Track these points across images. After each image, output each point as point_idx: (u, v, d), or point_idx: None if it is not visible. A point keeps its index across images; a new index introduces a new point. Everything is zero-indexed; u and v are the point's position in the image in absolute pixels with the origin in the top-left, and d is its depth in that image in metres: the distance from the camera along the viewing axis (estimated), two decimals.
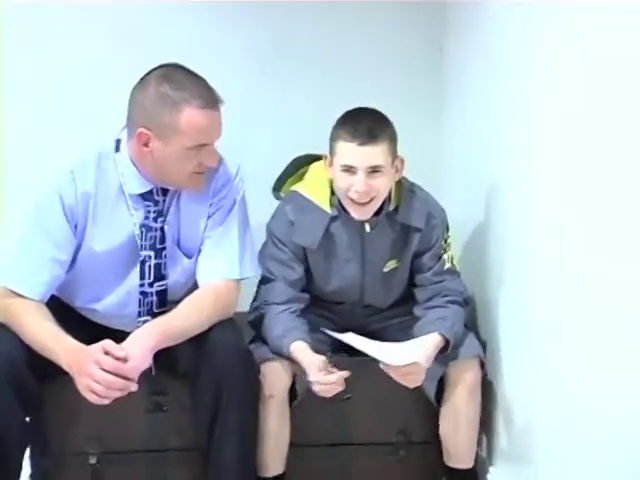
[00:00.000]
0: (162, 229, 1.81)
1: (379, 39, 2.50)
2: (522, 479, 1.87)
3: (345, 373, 1.74)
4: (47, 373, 1.69)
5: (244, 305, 1.96)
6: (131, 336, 1.66)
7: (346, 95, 2.17)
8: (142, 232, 1.79)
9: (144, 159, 1.74)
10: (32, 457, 1.88)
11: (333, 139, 1.86)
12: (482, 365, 1.92)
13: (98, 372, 1.56)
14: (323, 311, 2.02)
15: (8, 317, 1.70)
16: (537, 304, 1.74)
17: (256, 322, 1.92)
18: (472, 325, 2.13)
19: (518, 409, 1.88)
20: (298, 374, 1.84)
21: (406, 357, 1.76)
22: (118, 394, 1.59)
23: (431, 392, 1.90)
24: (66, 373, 1.63)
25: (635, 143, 1.27)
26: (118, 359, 1.58)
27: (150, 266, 1.81)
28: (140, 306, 1.82)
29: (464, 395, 1.90)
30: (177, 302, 1.80)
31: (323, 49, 2.48)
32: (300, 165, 2.04)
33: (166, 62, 1.74)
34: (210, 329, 1.76)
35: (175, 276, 1.84)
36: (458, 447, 1.95)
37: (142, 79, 1.72)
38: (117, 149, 1.80)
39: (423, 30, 2.51)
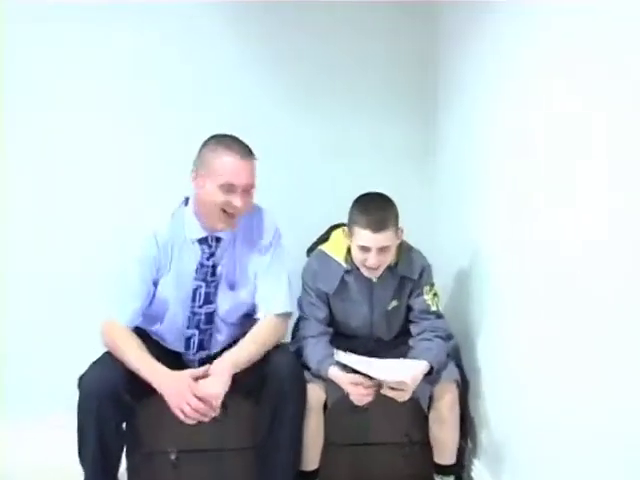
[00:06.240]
0: (213, 267, 2.07)
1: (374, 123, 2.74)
2: (498, 470, 2.05)
3: (374, 384, 1.98)
4: (141, 392, 1.93)
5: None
6: (211, 370, 1.92)
7: (349, 176, 2.58)
8: (197, 268, 2.07)
9: (196, 201, 2.00)
10: (127, 455, 2.09)
11: (351, 222, 2.11)
12: (459, 386, 2.15)
13: (192, 398, 1.83)
14: (344, 343, 2.26)
15: (114, 346, 1.97)
16: (505, 338, 1.97)
17: (297, 352, 2.20)
18: (457, 356, 2.35)
19: (494, 417, 2.09)
20: (329, 392, 2.10)
21: (396, 376, 1.95)
22: (201, 418, 1.83)
23: (425, 405, 2.15)
24: (156, 393, 1.88)
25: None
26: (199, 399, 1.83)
27: (200, 293, 2.08)
28: (189, 321, 2.08)
29: (444, 409, 2.13)
30: (232, 323, 2.11)
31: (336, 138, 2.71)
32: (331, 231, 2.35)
33: (219, 133, 2.02)
34: (270, 354, 2.00)
35: (224, 305, 2.11)
36: (442, 448, 2.18)
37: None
38: (186, 204, 2.10)
39: (416, 100, 2.75)
